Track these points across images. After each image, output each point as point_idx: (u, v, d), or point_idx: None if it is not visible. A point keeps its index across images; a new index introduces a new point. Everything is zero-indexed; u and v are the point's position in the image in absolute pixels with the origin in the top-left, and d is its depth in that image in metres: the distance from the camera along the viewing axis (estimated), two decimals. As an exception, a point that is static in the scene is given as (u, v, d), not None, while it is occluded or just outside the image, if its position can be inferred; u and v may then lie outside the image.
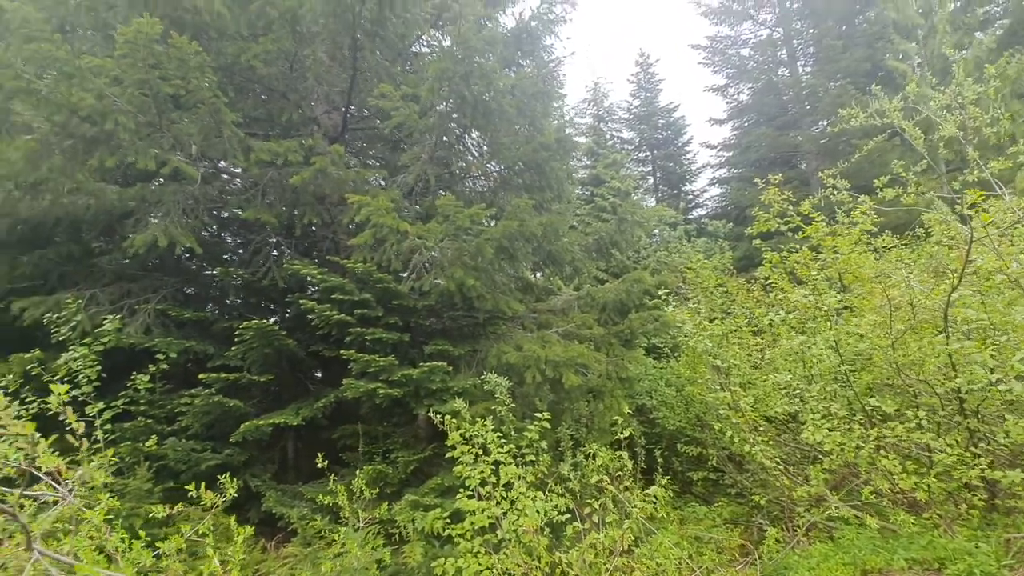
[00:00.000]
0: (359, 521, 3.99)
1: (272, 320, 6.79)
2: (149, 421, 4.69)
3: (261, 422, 4.70)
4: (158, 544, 2.25)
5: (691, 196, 20.76)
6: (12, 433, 1.75)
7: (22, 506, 1.76)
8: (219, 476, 3.32)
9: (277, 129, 6.85)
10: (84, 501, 1.98)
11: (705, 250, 14.14)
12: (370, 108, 6.91)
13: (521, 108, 5.89)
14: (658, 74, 21.57)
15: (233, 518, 3.03)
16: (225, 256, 6.94)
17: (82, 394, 4.25)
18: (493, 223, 6.28)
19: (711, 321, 6.87)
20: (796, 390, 5.09)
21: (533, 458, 4.05)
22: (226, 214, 7.01)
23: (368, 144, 7.91)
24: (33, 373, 4.43)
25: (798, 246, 5.27)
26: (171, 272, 6.05)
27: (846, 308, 5.57)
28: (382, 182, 6.78)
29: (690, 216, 18.98)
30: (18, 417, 2.09)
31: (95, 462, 2.40)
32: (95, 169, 5.00)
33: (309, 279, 5.86)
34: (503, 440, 3.95)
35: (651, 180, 21.60)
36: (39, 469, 1.96)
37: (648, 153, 21.75)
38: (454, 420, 3.91)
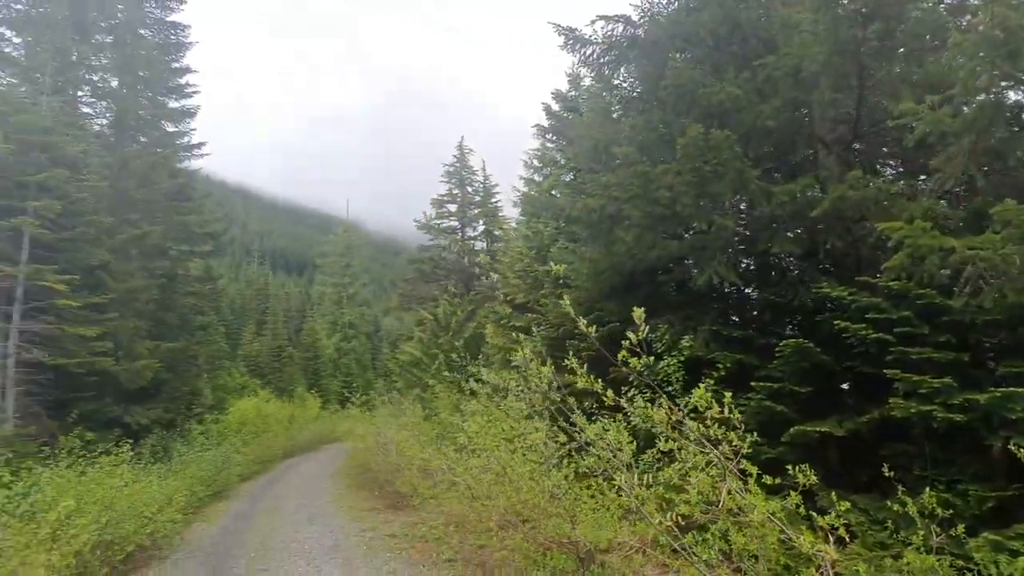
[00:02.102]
0: (926, 543, 4.06)
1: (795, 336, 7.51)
2: (718, 415, 6.31)
3: (808, 427, 5.47)
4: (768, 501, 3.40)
5: None
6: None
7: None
8: (777, 467, 4.29)
9: (784, 162, 7.63)
10: (729, 460, 3.31)
11: None
12: (879, 116, 6.63)
13: None
14: None
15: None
16: (752, 280, 8.20)
17: (674, 390, 6.31)
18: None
19: None
20: None
21: None
22: (743, 245, 8.29)
23: (879, 148, 7.49)
24: (644, 373, 6.90)
25: None
26: (715, 299, 7.79)
27: None
28: (903, 188, 6.35)
29: None
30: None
31: (747, 439, 3.86)
32: (662, 233, 7.26)
33: (834, 296, 6.23)
34: None
35: None
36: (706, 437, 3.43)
37: None
38: (1052, 459, 3.45)
